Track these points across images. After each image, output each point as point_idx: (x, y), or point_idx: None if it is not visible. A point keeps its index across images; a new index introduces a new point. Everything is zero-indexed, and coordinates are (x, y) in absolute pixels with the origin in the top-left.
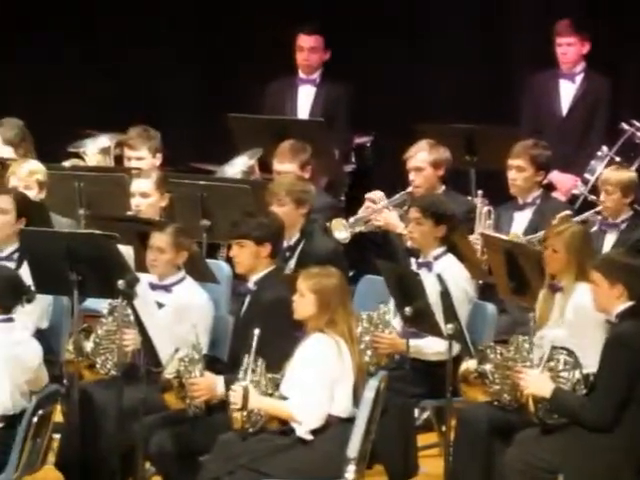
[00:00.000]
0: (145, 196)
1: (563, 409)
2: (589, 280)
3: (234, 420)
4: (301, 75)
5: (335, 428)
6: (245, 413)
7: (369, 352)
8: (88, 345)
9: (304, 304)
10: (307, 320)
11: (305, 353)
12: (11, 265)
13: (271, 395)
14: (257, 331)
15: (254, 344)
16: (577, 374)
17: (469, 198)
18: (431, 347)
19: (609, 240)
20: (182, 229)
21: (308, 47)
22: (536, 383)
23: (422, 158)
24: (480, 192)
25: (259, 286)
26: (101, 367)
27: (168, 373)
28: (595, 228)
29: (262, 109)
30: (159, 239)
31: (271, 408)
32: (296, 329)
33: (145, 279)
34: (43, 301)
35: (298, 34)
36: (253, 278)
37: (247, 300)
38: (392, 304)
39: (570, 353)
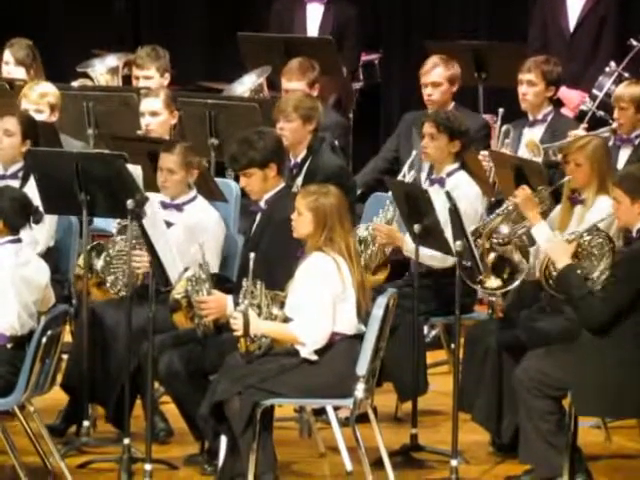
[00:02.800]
0: (155, 115)
1: (566, 287)
2: (610, 194)
3: (239, 345)
4: None
5: (342, 346)
6: (248, 338)
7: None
8: (99, 263)
9: (302, 222)
10: (306, 239)
11: (304, 273)
12: (15, 183)
13: (276, 317)
14: (252, 255)
15: (251, 267)
16: (604, 263)
17: (481, 115)
18: (427, 251)
19: (623, 155)
20: (190, 147)
21: None
22: (558, 250)
23: (439, 73)
24: (501, 110)
25: (270, 205)
26: (111, 286)
27: (177, 293)
28: (610, 144)
29: (269, 27)
30: (168, 160)
31: (273, 332)
32: (299, 249)
33: (156, 198)
34: (52, 219)
35: None
36: (264, 197)
37: (257, 219)
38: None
39: (609, 240)
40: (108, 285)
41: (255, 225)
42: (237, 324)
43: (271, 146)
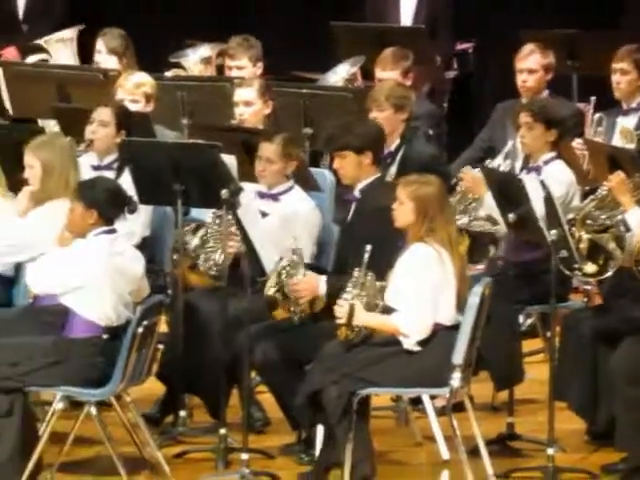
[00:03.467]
0: (249, 105)
1: None
2: None
3: (339, 332)
4: None
5: (440, 336)
6: (349, 327)
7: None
8: (194, 241)
9: (403, 212)
10: (407, 228)
11: (406, 263)
12: (110, 174)
13: (376, 306)
14: (369, 247)
15: (366, 258)
16: None
17: (574, 103)
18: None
19: None
20: (291, 138)
21: None
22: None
23: (535, 60)
24: (593, 98)
25: (364, 194)
26: (203, 264)
27: (270, 288)
28: None
29: (363, 16)
30: (268, 149)
31: (376, 324)
32: (399, 238)
33: (252, 188)
34: (147, 210)
35: None
36: (358, 186)
37: (352, 208)
38: None
39: None
40: (200, 263)
41: (350, 215)
42: (341, 312)
43: (370, 134)
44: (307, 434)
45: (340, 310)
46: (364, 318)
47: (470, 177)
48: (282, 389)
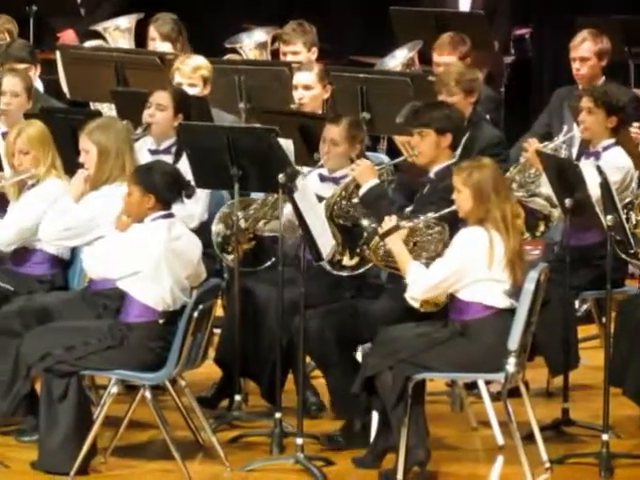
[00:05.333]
0: (308, 88)
1: None
2: None
3: (371, 244)
4: None
5: (494, 320)
6: (381, 243)
7: None
8: (241, 214)
9: (463, 199)
10: (469, 215)
11: (455, 240)
12: (168, 158)
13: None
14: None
15: (445, 211)
16: None
17: (631, 89)
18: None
19: None
20: (357, 122)
21: None
22: None
23: (587, 48)
24: None
25: (438, 176)
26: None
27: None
28: None
29: (421, 1)
30: (333, 131)
31: (398, 255)
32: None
33: (314, 172)
34: (205, 194)
35: None
36: (434, 169)
37: (425, 190)
38: None
39: None
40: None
41: (421, 195)
42: (386, 224)
43: (454, 118)
44: (362, 421)
45: (386, 221)
46: (396, 243)
47: (534, 149)
48: (333, 370)
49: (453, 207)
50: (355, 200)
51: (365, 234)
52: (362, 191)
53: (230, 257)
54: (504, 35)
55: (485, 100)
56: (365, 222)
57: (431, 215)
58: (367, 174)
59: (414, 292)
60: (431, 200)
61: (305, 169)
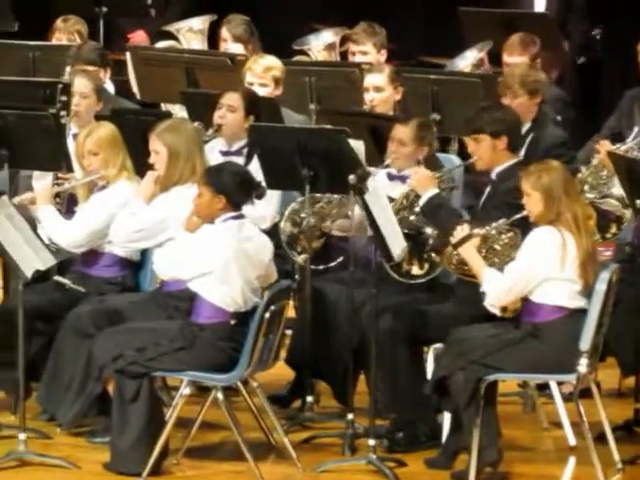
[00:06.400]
0: (379, 90)
1: None
2: None
3: (444, 252)
4: None
5: (565, 321)
6: (454, 252)
7: None
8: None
9: (532, 203)
10: (539, 218)
11: (526, 241)
12: (240, 160)
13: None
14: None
15: (517, 217)
16: None
17: None
18: None
19: None
20: (426, 123)
21: None
22: None
23: None
24: None
25: (500, 177)
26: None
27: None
28: None
29: (492, 1)
30: (401, 131)
31: (473, 264)
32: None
33: (382, 172)
34: (277, 195)
35: None
36: (496, 170)
37: (487, 190)
38: None
39: None
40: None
41: (484, 197)
42: (458, 233)
43: (507, 120)
44: (431, 423)
45: (458, 230)
46: (469, 252)
47: (606, 150)
48: (399, 367)
49: (524, 212)
50: (417, 209)
51: (430, 241)
52: (422, 201)
53: (300, 257)
54: (580, 35)
55: (554, 100)
56: (429, 230)
57: (502, 221)
58: (426, 183)
59: (492, 299)
60: (494, 204)
61: (372, 169)
